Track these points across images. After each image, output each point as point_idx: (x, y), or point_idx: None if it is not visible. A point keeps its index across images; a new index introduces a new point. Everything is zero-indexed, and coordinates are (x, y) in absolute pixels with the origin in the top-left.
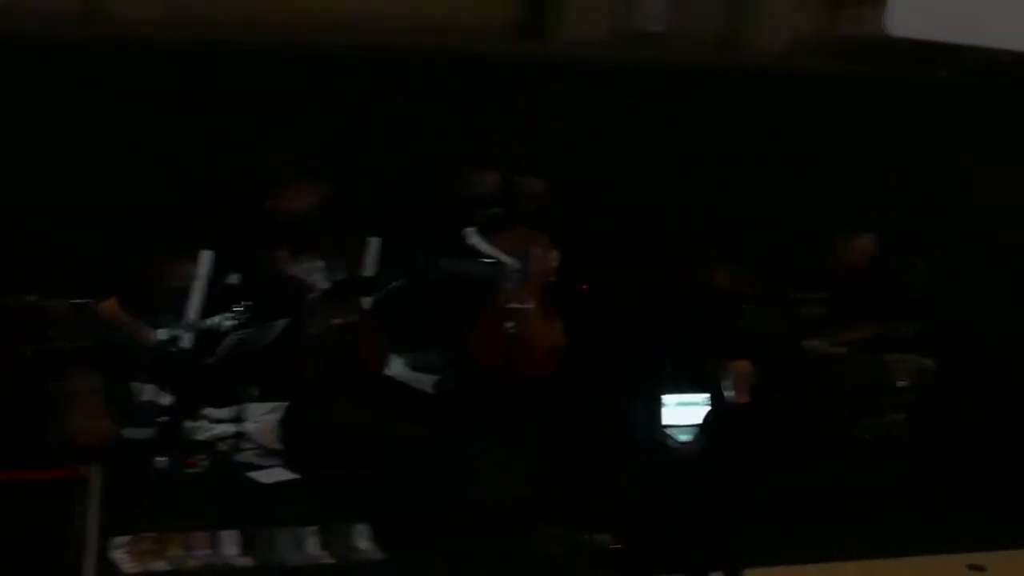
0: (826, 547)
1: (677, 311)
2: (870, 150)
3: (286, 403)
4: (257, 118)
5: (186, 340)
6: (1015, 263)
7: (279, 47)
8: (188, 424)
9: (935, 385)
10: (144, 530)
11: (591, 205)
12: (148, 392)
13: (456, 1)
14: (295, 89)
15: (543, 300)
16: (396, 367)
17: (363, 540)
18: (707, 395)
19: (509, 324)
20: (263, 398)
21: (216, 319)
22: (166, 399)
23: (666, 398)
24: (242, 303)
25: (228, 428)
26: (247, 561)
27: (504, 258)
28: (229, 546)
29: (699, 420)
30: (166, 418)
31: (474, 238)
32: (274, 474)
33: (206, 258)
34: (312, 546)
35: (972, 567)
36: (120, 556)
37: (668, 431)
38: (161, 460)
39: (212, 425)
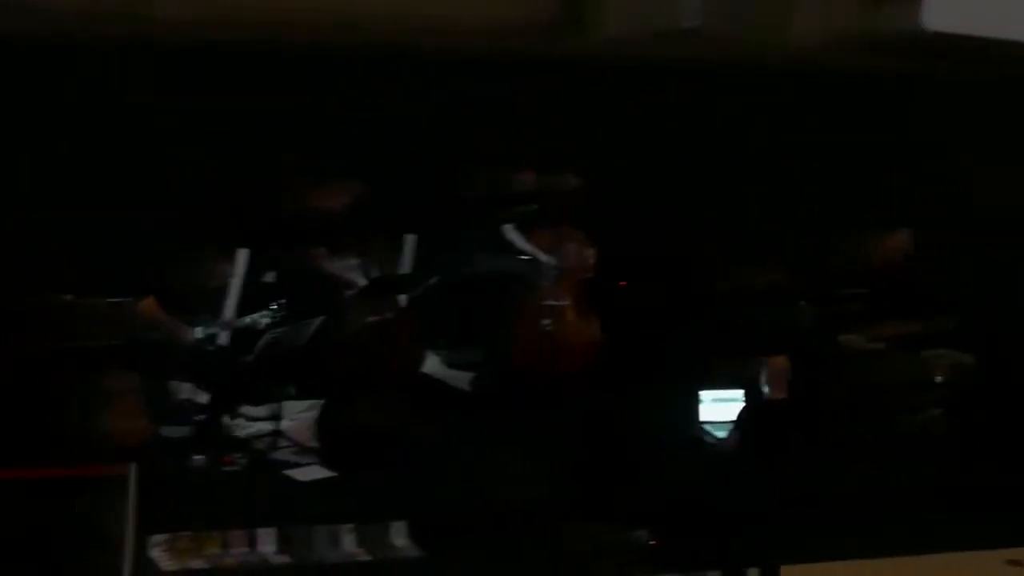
0: (862, 543)
1: (713, 307)
2: (907, 147)
3: (323, 401)
4: (293, 116)
5: (223, 338)
6: None
7: (319, 46)
8: (225, 422)
9: (973, 380)
10: (181, 528)
11: (628, 202)
12: (185, 391)
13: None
14: (331, 88)
15: (579, 297)
16: (432, 364)
17: (400, 538)
18: (743, 391)
19: (545, 321)
20: (300, 396)
21: (252, 317)
22: (203, 397)
23: (702, 394)
24: (278, 301)
25: (265, 426)
26: (284, 559)
27: (540, 255)
28: (266, 544)
29: (735, 416)
30: (203, 416)
31: (510, 235)
32: (311, 472)
33: (242, 257)
34: (349, 544)
35: (1011, 563)
36: (158, 554)
37: (704, 427)
38: (198, 458)
39: (249, 423)
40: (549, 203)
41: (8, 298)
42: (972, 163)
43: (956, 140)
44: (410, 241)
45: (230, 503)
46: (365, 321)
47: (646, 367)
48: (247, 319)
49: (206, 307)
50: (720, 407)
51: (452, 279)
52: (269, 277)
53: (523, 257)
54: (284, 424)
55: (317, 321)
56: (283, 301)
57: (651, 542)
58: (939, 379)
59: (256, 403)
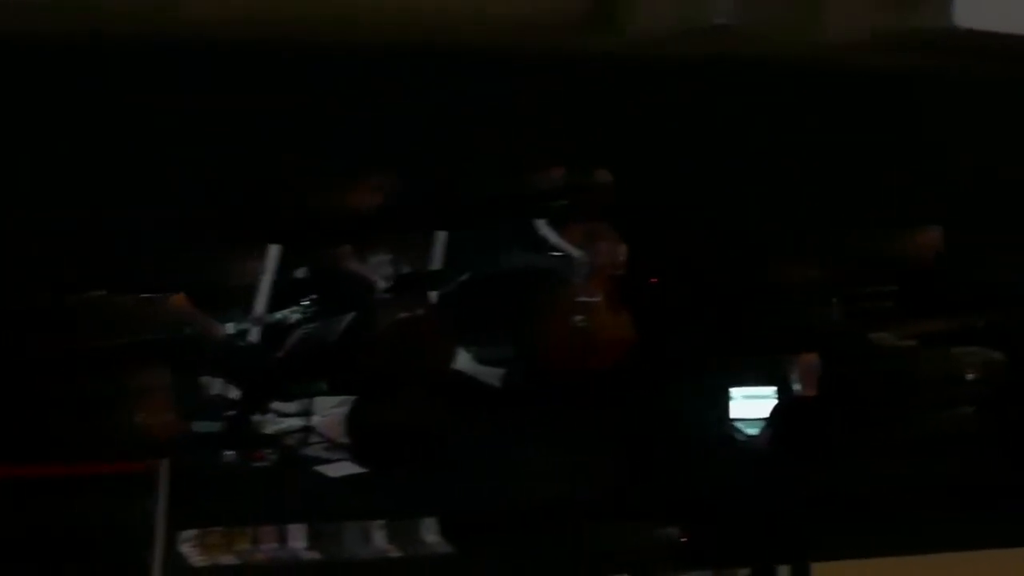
0: (894, 541)
1: (744, 305)
2: (938, 144)
3: (353, 397)
4: (321, 114)
5: (253, 334)
6: None
7: (348, 43)
8: (256, 418)
9: (1004, 378)
10: (212, 524)
11: (658, 199)
12: (216, 386)
13: None
14: (358, 85)
15: (611, 293)
16: (463, 361)
17: (431, 534)
18: (774, 389)
19: (577, 318)
20: (330, 392)
21: (283, 313)
22: (234, 393)
23: (733, 391)
24: (309, 298)
25: (296, 422)
26: (314, 555)
27: (572, 251)
28: (296, 540)
29: (766, 414)
30: (234, 412)
31: (542, 231)
32: (342, 468)
33: (273, 253)
34: (379, 540)
35: None
36: (188, 550)
37: (735, 425)
38: (229, 454)
39: (280, 419)
40: (580, 199)
41: (38, 295)
42: (1003, 160)
43: (988, 137)
44: (441, 237)
45: (261, 499)
46: (396, 317)
47: (677, 364)
48: (278, 315)
49: (237, 303)
50: (751, 404)
51: (483, 275)
52: (300, 273)
53: (554, 253)
54: (315, 420)
55: (348, 317)
56: (314, 297)
57: (682, 539)
58: (970, 377)
59: (287, 399)
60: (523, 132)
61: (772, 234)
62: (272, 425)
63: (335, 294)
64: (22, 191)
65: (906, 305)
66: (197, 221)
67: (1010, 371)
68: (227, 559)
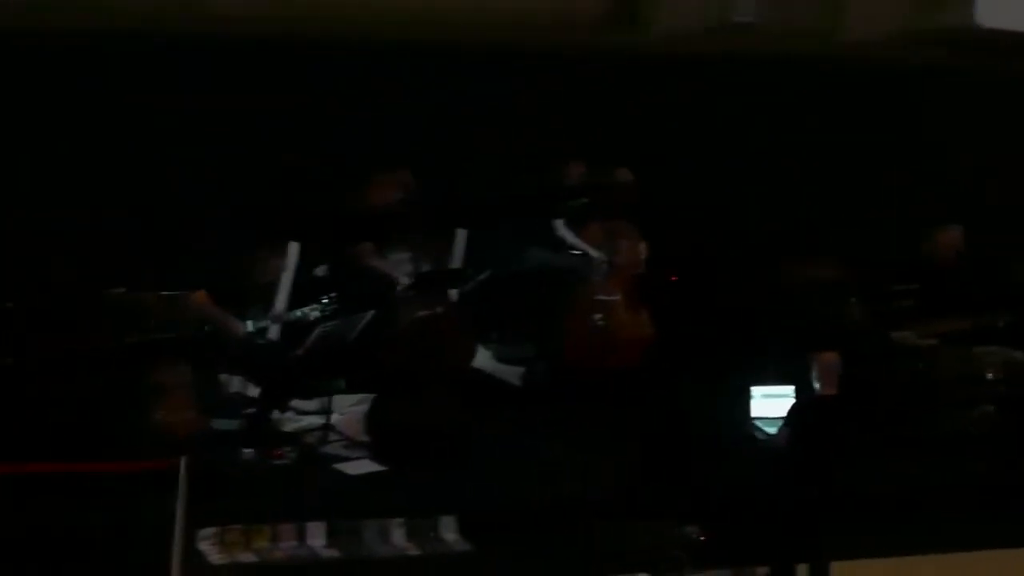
0: (913, 540)
1: (765, 303)
2: (960, 143)
3: (373, 395)
4: (343, 112)
5: (273, 332)
6: None
7: (369, 41)
8: (275, 416)
9: None
10: (231, 521)
11: (681, 197)
12: (236, 384)
13: None
14: (381, 84)
15: (631, 292)
16: (483, 359)
17: (449, 532)
18: (794, 388)
19: (596, 316)
20: (350, 390)
21: (303, 311)
22: (254, 391)
23: (753, 390)
24: (329, 295)
25: (315, 420)
26: (333, 553)
27: (591, 250)
28: (315, 538)
29: (786, 412)
30: (253, 410)
31: (561, 230)
32: (361, 466)
33: (293, 250)
34: (398, 538)
35: None
36: (207, 547)
37: (755, 423)
38: (248, 452)
39: (299, 417)
40: (601, 198)
41: (59, 292)
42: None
43: (1009, 136)
44: (461, 236)
45: (280, 497)
46: (416, 316)
47: (697, 363)
48: (298, 313)
49: (257, 300)
50: (771, 403)
51: (503, 274)
52: (320, 271)
53: (574, 252)
54: (334, 418)
55: (368, 315)
56: (334, 295)
57: (700, 537)
58: (991, 376)
59: (306, 397)
60: (545, 131)
61: (792, 233)
62: (291, 423)
63: (355, 292)
64: (39, 192)
65: (928, 304)
66: (217, 219)
67: None
68: (246, 556)
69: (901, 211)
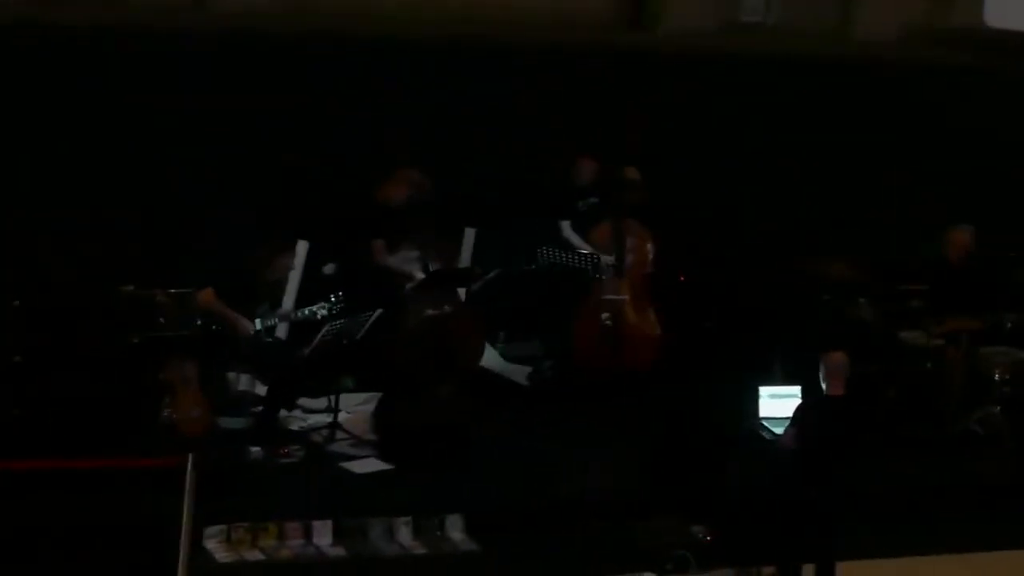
0: (920, 540)
1: (774, 302)
2: (971, 143)
3: (380, 394)
4: (357, 111)
5: (282, 330)
6: None
7: (393, 39)
8: (283, 414)
9: None
10: (238, 519)
11: (690, 196)
12: (244, 382)
13: None
14: (398, 82)
15: (639, 292)
16: (491, 358)
17: (455, 531)
18: (801, 387)
19: (605, 316)
20: (357, 388)
21: (311, 309)
22: (261, 389)
23: (761, 390)
24: (337, 293)
25: (322, 418)
26: (339, 551)
27: (599, 250)
28: (322, 536)
29: (794, 413)
30: (261, 408)
31: (567, 231)
32: (368, 464)
33: (302, 248)
34: (405, 536)
35: None
36: (214, 545)
37: (763, 423)
38: (255, 450)
39: (306, 415)
40: (610, 197)
41: (67, 290)
42: None
43: (1019, 137)
44: (470, 234)
45: (286, 495)
46: (424, 314)
47: (706, 362)
48: (306, 311)
49: (266, 299)
50: (779, 403)
51: (512, 273)
52: (329, 269)
53: (583, 252)
54: (341, 417)
55: (375, 314)
56: (341, 293)
57: (707, 537)
58: (998, 376)
59: (314, 395)
60: (555, 130)
61: (800, 233)
62: (298, 421)
63: (363, 290)
64: (48, 190)
65: (936, 304)
66: (226, 217)
67: None
68: (253, 555)
69: (910, 211)
